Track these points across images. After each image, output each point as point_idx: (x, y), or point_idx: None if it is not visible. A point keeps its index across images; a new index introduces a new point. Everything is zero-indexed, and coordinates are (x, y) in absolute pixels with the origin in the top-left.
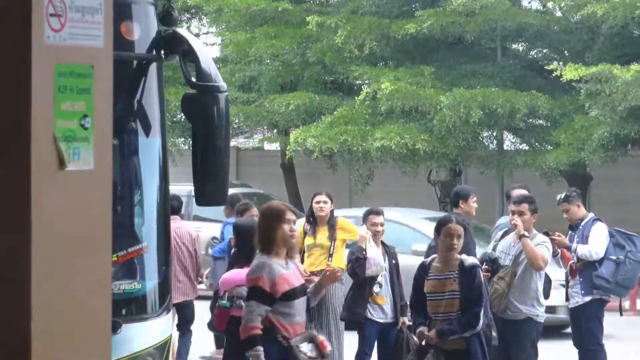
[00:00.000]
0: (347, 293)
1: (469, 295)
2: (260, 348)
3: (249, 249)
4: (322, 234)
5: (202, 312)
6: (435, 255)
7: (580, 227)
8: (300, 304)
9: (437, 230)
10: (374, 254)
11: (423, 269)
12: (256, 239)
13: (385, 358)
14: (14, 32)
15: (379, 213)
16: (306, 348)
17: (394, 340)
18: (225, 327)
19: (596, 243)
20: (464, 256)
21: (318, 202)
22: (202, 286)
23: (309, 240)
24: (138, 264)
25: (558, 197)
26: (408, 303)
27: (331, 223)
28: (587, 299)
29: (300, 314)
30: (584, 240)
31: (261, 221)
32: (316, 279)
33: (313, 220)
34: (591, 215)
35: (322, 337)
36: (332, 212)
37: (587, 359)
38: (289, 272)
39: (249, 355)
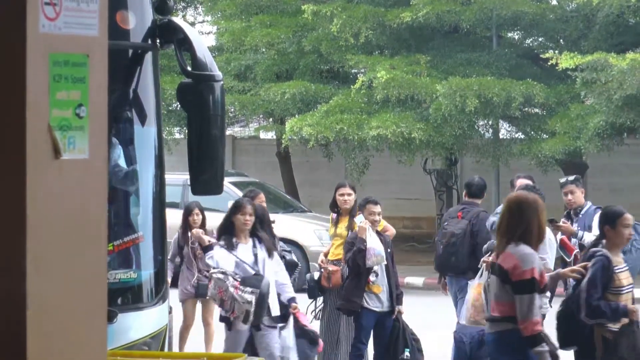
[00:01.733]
0: (344, 282)
1: None
2: (546, 346)
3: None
4: (343, 224)
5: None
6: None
7: (581, 215)
8: None
9: (609, 221)
10: (374, 244)
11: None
12: (267, 225)
13: (381, 347)
14: (9, 21)
15: (376, 202)
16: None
17: (390, 329)
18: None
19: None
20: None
21: (342, 195)
22: None
23: (331, 230)
24: (134, 253)
25: (564, 179)
26: (591, 303)
27: (352, 213)
28: None
29: None
30: (587, 228)
31: (518, 212)
32: (333, 267)
33: (337, 211)
34: (589, 203)
35: None
36: (355, 202)
37: None
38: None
39: (536, 352)
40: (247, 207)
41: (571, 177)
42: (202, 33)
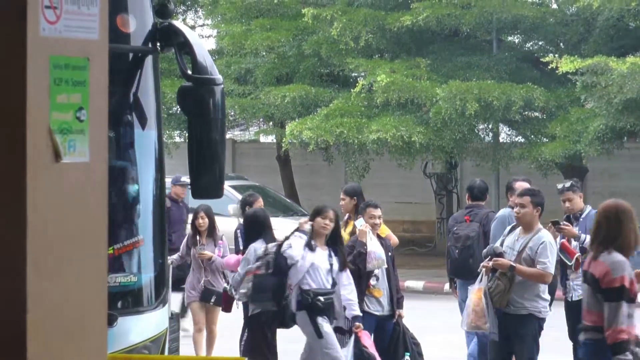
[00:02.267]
0: None
1: None
2: (630, 355)
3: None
4: (348, 228)
5: None
6: None
7: (582, 219)
8: None
9: None
10: (375, 248)
11: None
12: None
13: (382, 351)
14: (9, 24)
15: (376, 206)
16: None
17: (390, 332)
18: (231, 310)
19: None
20: None
21: (341, 200)
22: None
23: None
24: (134, 257)
25: (560, 185)
26: None
27: (353, 217)
28: None
29: None
30: (587, 232)
31: (616, 220)
32: None
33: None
34: (589, 207)
35: None
36: (355, 206)
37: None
38: None
39: None
40: (328, 212)
41: (567, 184)
42: (202, 36)
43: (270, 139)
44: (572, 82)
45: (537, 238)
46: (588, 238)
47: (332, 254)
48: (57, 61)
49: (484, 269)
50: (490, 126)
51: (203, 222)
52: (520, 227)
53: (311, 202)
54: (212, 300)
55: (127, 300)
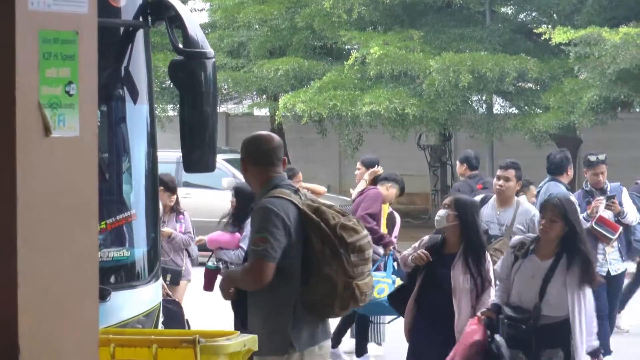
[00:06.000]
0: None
1: None
2: None
3: (245, 215)
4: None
5: None
6: None
7: (609, 192)
8: None
9: None
10: None
11: None
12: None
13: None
14: None
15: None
16: None
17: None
18: (213, 289)
19: (634, 209)
20: None
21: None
22: None
23: None
24: (126, 232)
25: (594, 157)
26: None
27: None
28: (627, 264)
29: None
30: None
31: None
32: None
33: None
34: (606, 181)
35: None
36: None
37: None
38: None
39: None
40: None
41: (601, 156)
42: (194, 10)
43: (264, 112)
44: (566, 53)
45: (524, 211)
46: (629, 212)
47: None
48: (46, 35)
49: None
50: (483, 98)
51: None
52: (493, 200)
53: (305, 175)
54: (167, 279)
55: (120, 275)
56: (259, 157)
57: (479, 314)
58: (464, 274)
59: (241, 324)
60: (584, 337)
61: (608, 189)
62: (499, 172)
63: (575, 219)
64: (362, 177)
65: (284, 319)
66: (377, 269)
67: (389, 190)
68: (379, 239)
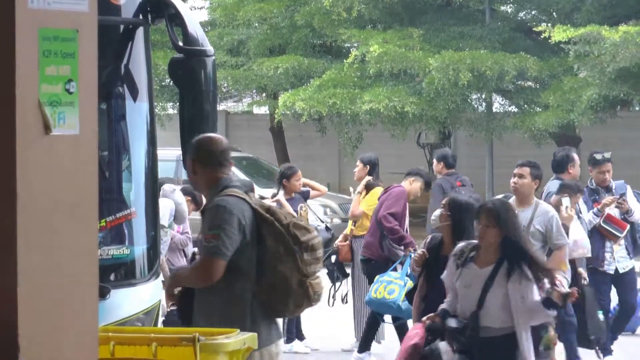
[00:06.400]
0: None
1: None
2: None
3: None
4: (369, 197)
5: None
6: None
7: (614, 190)
8: None
9: None
10: (579, 236)
11: None
12: None
13: None
14: None
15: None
16: None
17: None
18: None
19: (638, 206)
20: None
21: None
22: None
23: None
24: (126, 229)
25: (600, 156)
26: None
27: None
28: (633, 261)
29: None
30: None
31: None
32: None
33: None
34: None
35: None
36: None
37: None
38: None
39: None
40: None
41: (607, 154)
42: (194, 8)
43: (264, 110)
44: (565, 52)
45: (543, 212)
46: (637, 210)
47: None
48: (46, 33)
49: None
50: (483, 96)
51: None
52: (512, 200)
53: (305, 173)
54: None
55: (119, 273)
56: (209, 158)
57: (424, 318)
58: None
59: (188, 323)
60: (532, 351)
61: (613, 187)
62: (515, 170)
63: (512, 224)
64: (360, 174)
65: (241, 317)
66: (394, 270)
67: (412, 184)
68: (399, 239)
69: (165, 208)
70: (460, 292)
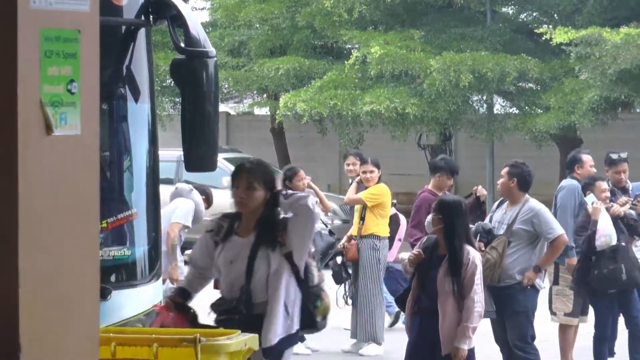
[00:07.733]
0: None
1: None
2: None
3: None
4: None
5: None
6: None
7: (630, 191)
8: None
9: None
10: (605, 225)
11: None
12: None
13: None
14: None
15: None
16: None
17: None
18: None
19: None
20: None
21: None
22: None
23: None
24: (127, 231)
25: (616, 155)
26: None
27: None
28: None
29: None
30: None
31: None
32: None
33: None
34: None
35: None
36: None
37: None
38: None
39: None
40: None
41: (623, 154)
42: (195, 9)
43: (265, 111)
44: (566, 53)
45: (527, 209)
46: None
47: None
48: (47, 33)
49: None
50: (484, 97)
51: None
52: (507, 201)
53: (306, 174)
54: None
55: (121, 274)
56: None
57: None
58: (446, 277)
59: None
60: (286, 325)
61: (630, 188)
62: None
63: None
64: (355, 171)
65: None
66: None
67: (439, 180)
68: None
69: (188, 209)
70: (226, 270)
